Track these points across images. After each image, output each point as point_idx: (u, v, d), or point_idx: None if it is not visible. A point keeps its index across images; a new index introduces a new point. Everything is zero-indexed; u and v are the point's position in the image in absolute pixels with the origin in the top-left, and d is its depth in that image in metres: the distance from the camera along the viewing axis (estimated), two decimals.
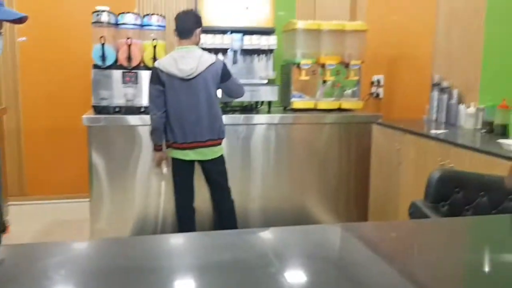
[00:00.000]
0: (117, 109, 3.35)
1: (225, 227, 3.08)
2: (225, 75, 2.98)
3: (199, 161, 3.03)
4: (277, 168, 3.58)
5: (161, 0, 4.47)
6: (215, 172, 3.08)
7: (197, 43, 3.04)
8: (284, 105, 3.87)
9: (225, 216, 3.16)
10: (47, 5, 4.27)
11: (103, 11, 3.35)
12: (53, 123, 4.40)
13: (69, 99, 4.35)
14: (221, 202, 3.15)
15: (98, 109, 3.32)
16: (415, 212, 1.98)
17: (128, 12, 3.42)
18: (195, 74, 2.88)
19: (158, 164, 3.16)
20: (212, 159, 3.02)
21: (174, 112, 2.94)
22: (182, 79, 2.89)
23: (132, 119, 3.29)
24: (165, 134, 3.02)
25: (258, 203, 3.57)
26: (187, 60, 2.89)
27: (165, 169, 3.16)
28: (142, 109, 3.37)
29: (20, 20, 1.57)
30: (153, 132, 3.02)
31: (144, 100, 3.40)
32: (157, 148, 3.08)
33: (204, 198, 3.23)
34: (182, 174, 3.09)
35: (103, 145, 3.29)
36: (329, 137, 3.65)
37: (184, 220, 3.15)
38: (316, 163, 3.65)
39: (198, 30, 3.00)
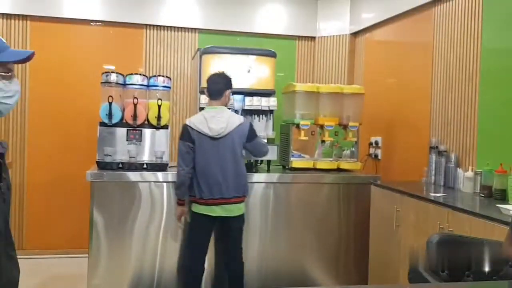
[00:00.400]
0: (120, 165, 3.36)
1: None
2: (251, 136, 3.10)
3: (222, 217, 3.04)
4: (275, 228, 3.52)
5: (166, 61, 4.63)
6: (236, 229, 3.13)
7: (226, 104, 3.16)
8: (283, 164, 3.87)
9: (234, 276, 3.14)
10: (58, 63, 4.42)
11: (112, 72, 3.44)
12: (56, 178, 4.41)
13: (73, 155, 4.39)
14: (233, 261, 3.14)
15: (102, 165, 3.32)
16: (414, 277, 1.91)
17: (136, 74, 3.51)
18: (224, 134, 3.00)
19: (179, 218, 3.18)
20: (236, 216, 3.07)
21: (202, 169, 3.01)
22: (212, 138, 2.99)
23: (133, 176, 3.29)
24: (190, 189, 3.06)
25: (256, 263, 3.47)
26: (217, 120, 3.00)
27: (183, 224, 3.20)
28: (145, 166, 3.39)
29: (28, 58, 1.58)
30: (179, 187, 3.08)
31: (146, 157, 3.42)
32: (180, 202, 3.14)
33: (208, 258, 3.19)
34: (202, 230, 3.11)
35: (104, 201, 3.27)
36: (328, 197, 3.61)
37: (191, 279, 3.12)
38: (315, 223, 3.58)
39: (228, 91, 3.14)
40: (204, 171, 3.00)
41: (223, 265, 3.23)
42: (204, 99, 3.47)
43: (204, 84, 3.50)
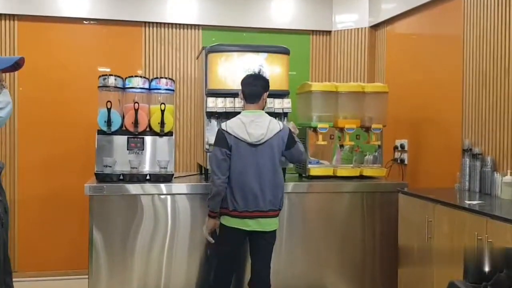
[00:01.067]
0: (121, 177, 3.38)
1: None
2: (290, 143, 3.15)
3: (255, 232, 3.07)
4: (292, 242, 3.53)
5: (168, 61, 4.66)
6: (267, 245, 3.15)
7: (263, 108, 3.23)
8: (300, 172, 3.89)
9: None
10: (49, 66, 4.45)
11: (110, 75, 3.47)
12: (50, 193, 4.43)
13: (69, 167, 4.41)
14: (260, 282, 3.15)
15: (101, 177, 3.35)
16: None
17: (136, 76, 3.55)
18: (263, 140, 3.04)
19: (211, 232, 3.18)
20: (270, 231, 3.11)
21: (238, 178, 3.04)
22: (250, 144, 3.03)
23: (135, 188, 3.32)
24: (223, 200, 3.07)
25: (271, 282, 3.45)
26: (257, 125, 3.06)
27: (212, 239, 3.19)
28: (148, 177, 3.41)
29: (18, 65, 1.58)
30: (214, 198, 3.07)
31: (149, 167, 3.45)
32: (213, 214, 3.12)
33: None
34: (232, 245, 3.14)
35: (105, 216, 3.30)
36: (350, 207, 3.63)
37: None
38: (336, 237, 3.60)
39: (266, 94, 3.20)
40: (240, 180, 3.03)
41: (244, 283, 3.27)
42: (211, 102, 3.51)
43: (211, 86, 3.56)
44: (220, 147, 3.04)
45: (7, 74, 4.27)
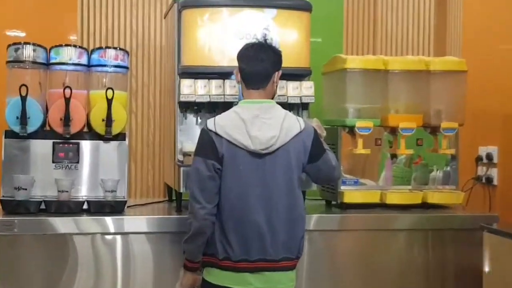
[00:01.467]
0: (42, 206, 3.38)
1: None
2: (317, 151, 3.11)
3: None
4: None
5: (118, 23, 4.66)
6: None
7: (273, 96, 3.17)
8: (328, 197, 3.94)
9: None
10: None
11: (26, 43, 3.47)
12: None
13: None
14: None
15: (10, 207, 3.35)
16: None
17: (67, 45, 3.55)
18: (275, 147, 2.97)
19: None
20: None
21: (233, 207, 2.99)
22: (253, 154, 2.97)
23: (63, 224, 3.32)
24: (209, 244, 3.05)
25: None
26: (264, 123, 2.98)
27: None
28: (85, 206, 3.44)
29: None
30: (193, 239, 3.01)
31: (86, 191, 3.52)
32: (191, 265, 3.08)
33: None
34: None
35: (15, 268, 3.29)
36: (407, 253, 3.70)
37: None
38: None
39: (277, 75, 3.14)
40: (237, 211, 2.99)
41: None
42: (187, 87, 3.54)
43: (187, 61, 3.58)
44: (204, 158, 2.98)
45: None
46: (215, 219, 2.98)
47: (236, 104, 3.23)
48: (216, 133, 2.96)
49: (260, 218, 2.96)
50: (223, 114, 3.08)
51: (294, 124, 3.03)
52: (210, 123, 3.00)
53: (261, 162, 2.97)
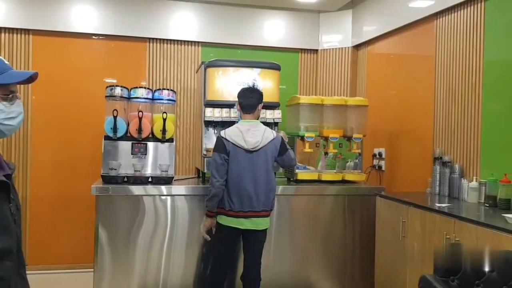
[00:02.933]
0: (125, 179, 3.39)
1: None
2: (282, 150, 3.19)
3: (249, 230, 3.08)
4: (280, 240, 3.55)
5: (170, 74, 4.69)
6: (259, 242, 3.17)
7: (258, 118, 3.25)
8: (288, 176, 3.91)
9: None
10: (60, 77, 4.46)
11: (117, 85, 3.49)
12: (60, 193, 4.43)
13: (77, 169, 4.42)
14: (251, 276, 3.16)
15: (107, 179, 3.35)
16: (425, 286, 1.96)
17: (141, 87, 3.56)
18: (258, 147, 3.06)
19: (208, 230, 3.17)
20: (262, 230, 3.13)
21: (235, 181, 3.05)
22: (246, 151, 3.05)
23: (138, 190, 3.31)
24: (221, 201, 3.09)
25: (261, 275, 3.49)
26: (253, 133, 3.08)
27: (209, 237, 3.18)
28: (150, 179, 3.42)
29: (32, 79, 1.57)
30: (212, 199, 3.07)
31: (151, 171, 3.46)
32: (210, 214, 3.13)
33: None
34: (228, 243, 3.15)
35: (109, 215, 3.29)
36: (333, 209, 3.65)
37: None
38: (320, 236, 3.62)
39: (260, 105, 3.23)
40: (236, 183, 3.05)
41: (237, 278, 3.28)
42: (209, 112, 3.54)
43: (209, 97, 3.58)
44: (219, 153, 3.06)
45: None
46: (225, 188, 3.06)
47: (237, 122, 3.26)
48: (225, 139, 3.06)
49: (250, 188, 3.04)
50: (230, 128, 3.17)
51: (270, 134, 3.14)
52: (222, 133, 3.11)
53: (251, 156, 3.06)
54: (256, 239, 3.14)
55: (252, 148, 3.06)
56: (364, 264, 3.63)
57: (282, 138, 3.24)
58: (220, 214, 3.11)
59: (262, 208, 3.08)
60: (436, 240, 2.69)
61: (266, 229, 3.17)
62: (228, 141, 3.06)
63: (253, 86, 3.33)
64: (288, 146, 3.29)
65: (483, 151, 3.10)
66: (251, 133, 3.08)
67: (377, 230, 3.43)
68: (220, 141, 3.09)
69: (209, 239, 3.18)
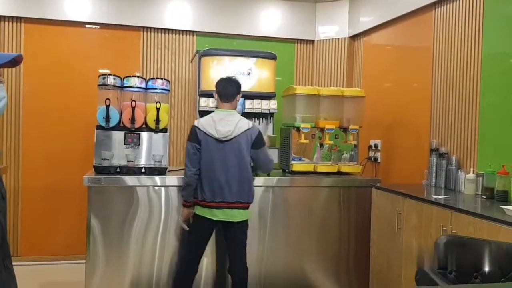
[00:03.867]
0: (118, 170, 3.34)
1: None
2: (257, 143, 3.05)
3: (225, 222, 3.02)
4: (275, 231, 3.51)
5: (164, 64, 4.62)
6: (238, 234, 3.09)
7: (235, 108, 3.15)
8: (284, 168, 3.87)
9: (237, 282, 3.10)
10: (52, 66, 4.39)
11: (109, 74, 3.42)
12: (52, 183, 4.38)
13: (69, 159, 4.37)
14: (236, 267, 3.10)
15: (99, 169, 3.30)
16: (422, 279, 1.92)
17: (134, 76, 3.50)
18: (230, 137, 2.98)
19: (185, 220, 3.14)
20: (238, 222, 3.04)
21: (206, 171, 3.00)
22: (218, 140, 2.98)
23: (131, 180, 3.27)
24: (196, 191, 3.05)
25: (255, 268, 3.45)
26: (225, 123, 2.99)
27: (187, 227, 3.15)
28: (143, 170, 3.37)
29: (16, 62, 1.50)
30: (185, 188, 3.05)
31: (145, 161, 3.41)
32: (186, 204, 3.10)
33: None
34: (201, 233, 3.09)
35: (102, 206, 3.24)
36: (328, 200, 3.61)
37: (185, 279, 3.09)
38: (315, 227, 3.58)
39: (239, 96, 3.14)
40: (207, 173, 2.99)
41: (225, 270, 3.22)
42: (203, 102, 3.50)
43: (204, 87, 3.53)
44: (191, 142, 3.02)
45: (13, 70, 4.21)
46: (198, 179, 3.00)
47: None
48: (198, 128, 3.00)
49: (221, 178, 2.97)
50: (205, 117, 3.11)
51: (244, 124, 3.03)
52: (196, 122, 3.06)
53: (222, 145, 2.98)
54: (234, 231, 3.07)
55: (223, 138, 2.97)
56: (359, 256, 3.60)
57: (259, 131, 3.11)
58: (196, 204, 3.07)
59: (235, 200, 3.00)
60: (432, 232, 2.66)
61: (244, 222, 3.09)
62: (200, 130, 3.00)
63: (231, 77, 3.22)
64: (266, 144, 3.18)
65: (481, 142, 3.06)
66: (223, 123, 3.00)
67: (372, 222, 3.40)
68: (193, 130, 3.04)
69: (187, 229, 3.15)
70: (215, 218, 3.01)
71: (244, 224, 3.09)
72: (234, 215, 3.02)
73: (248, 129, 3.02)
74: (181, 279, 3.11)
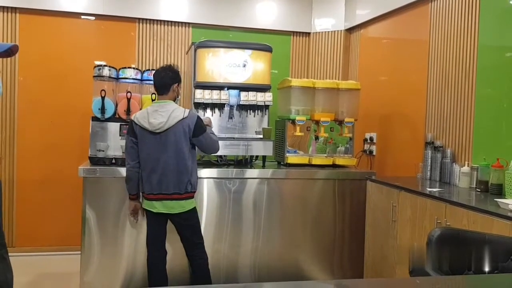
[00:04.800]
0: (113, 161, 3.32)
1: (198, 283, 3.04)
2: (197, 130, 2.94)
3: (167, 214, 2.97)
4: (269, 223, 3.51)
5: (159, 55, 4.58)
6: (184, 226, 3.02)
7: (174, 98, 3.05)
8: (279, 160, 3.86)
9: (197, 272, 3.06)
10: (48, 57, 4.34)
11: (105, 65, 3.39)
12: (47, 174, 4.35)
13: (65, 150, 4.33)
14: (193, 258, 3.06)
15: (94, 160, 3.28)
16: (415, 270, 1.92)
17: (129, 67, 3.47)
18: (164, 128, 2.88)
19: (133, 213, 3.10)
20: (180, 213, 2.96)
21: (144, 164, 2.95)
22: (152, 132, 2.90)
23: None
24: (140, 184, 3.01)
25: (249, 259, 3.47)
26: (158, 114, 2.90)
27: (137, 219, 3.13)
28: None
29: (12, 52, 1.46)
30: (127, 182, 3.02)
31: None
32: (131, 197, 3.05)
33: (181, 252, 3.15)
34: (151, 224, 3.04)
35: (97, 197, 3.23)
36: (323, 192, 3.61)
37: (154, 270, 3.05)
38: (310, 219, 3.58)
39: (176, 85, 3.01)
40: (145, 165, 2.94)
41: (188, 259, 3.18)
42: (199, 94, 3.47)
43: (199, 79, 3.51)
44: (129, 136, 2.98)
45: (7, 61, 4.16)
46: (138, 171, 2.96)
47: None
48: (134, 122, 2.94)
49: (158, 170, 2.90)
50: (141, 110, 3.06)
51: (179, 114, 2.91)
52: (133, 116, 3.00)
53: (158, 137, 2.89)
54: (181, 222, 2.99)
55: (156, 130, 2.88)
56: (354, 248, 3.60)
57: (198, 117, 2.98)
58: (143, 197, 3.03)
59: (173, 191, 2.92)
60: (427, 225, 2.65)
61: (186, 213, 2.97)
62: (136, 124, 2.93)
63: (171, 65, 3.09)
64: (209, 130, 3.09)
65: (476, 136, 3.06)
66: (156, 114, 2.90)
67: (367, 214, 3.40)
68: (130, 124, 2.99)
69: (136, 221, 3.15)
70: (154, 210, 2.95)
71: (185, 216, 2.98)
72: (173, 207, 2.94)
73: (184, 118, 2.90)
74: (152, 272, 3.05)
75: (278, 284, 1.31)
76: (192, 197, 2.99)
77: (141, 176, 2.96)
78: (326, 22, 4.85)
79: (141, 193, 3.01)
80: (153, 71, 3.43)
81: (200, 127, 2.96)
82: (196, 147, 3.03)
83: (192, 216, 3.01)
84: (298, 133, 3.68)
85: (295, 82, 3.74)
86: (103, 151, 3.28)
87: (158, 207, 2.94)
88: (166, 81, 2.97)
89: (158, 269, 3.03)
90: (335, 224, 3.61)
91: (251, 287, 1.35)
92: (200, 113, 3.61)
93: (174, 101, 3.02)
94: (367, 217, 3.40)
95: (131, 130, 2.95)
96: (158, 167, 2.90)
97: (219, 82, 3.51)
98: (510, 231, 2.10)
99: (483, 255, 1.83)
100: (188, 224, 3.00)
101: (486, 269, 1.82)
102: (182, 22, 4.59)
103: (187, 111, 2.96)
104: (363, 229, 3.43)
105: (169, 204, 2.93)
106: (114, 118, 3.37)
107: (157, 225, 3.02)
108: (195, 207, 3.02)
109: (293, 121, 3.69)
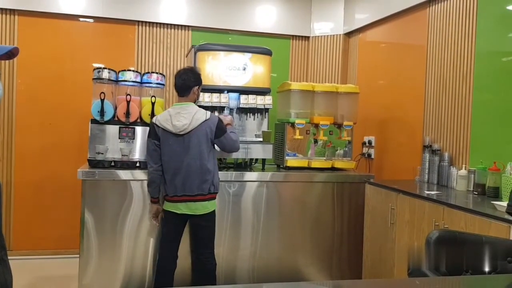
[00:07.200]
0: (112, 164, 3.33)
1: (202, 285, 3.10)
2: (218, 131, 3.02)
3: (189, 215, 3.02)
4: (269, 226, 3.53)
5: (159, 58, 4.61)
6: (203, 227, 3.07)
7: (195, 100, 3.11)
8: (278, 163, 3.88)
9: (204, 277, 3.10)
10: (47, 59, 4.36)
11: (104, 68, 3.41)
12: (45, 176, 4.36)
13: (63, 153, 4.35)
14: (203, 261, 3.10)
15: (93, 163, 3.30)
16: (414, 272, 1.95)
17: (129, 70, 3.49)
18: (187, 130, 2.95)
19: (154, 216, 3.16)
20: (202, 215, 3.03)
21: (167, 166, 3.00)
22: (176, 135, 2.95)
23: (125, 174, 3.27)
24: (162, 186, 3.05)
25: (248, 262, 3.49)
26: (181, 116, 2.97)
27: (159, 222, 3.17)
28: (138, 164, 3.36)
29: (12, 54, 1.46)
30: (149, 185, 3.07)
31: (139, 155, 3.40)
32: (153, 200, 3.12)
33: (185, 253, 3.19)
34: (171, 226, 3.09)
35: (96, 199, 3.24)
36: (322, 195, 3.64)
37: (163, 272, 3.09)
38: (309, 222, 3.61)
39: (196, 88, 3.08)
40: (168, 168, 2.99)
41: (194, 263, 3.23)
42: (199, 97, 3.48)
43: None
44: (151, 139, 3.04)
45: (6, 63, 4.18)
46: (161, 174, 3.02)
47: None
48: (156, 124, 3.00)
49: (182, 172, 2.96)
50: (162, 113, 3.10)
51: (201, 116, 2.99)
52: (154, 119, 3.06)
53: (182, 139, 2.96)
54: (198, 224, 3.06)
55: (180, 132, 2.95)
56: (352, 251, 3.63)
57: (219, 119, 3.07)
58: (164, 199, 3.09)
59: (197, 192, 2.99)
60: (425, 227, 2.69)
61: (209, 214, 3.06)
62: (158, 126, 2.99)
63: (193, 68, 3.17)
64: (231, 129, 3.16)
65: (473, 139, 3.10)
66: (179, 116, 2.97)
67: (365, 217, 3.43)
68: (152, 127, 3.04)
69: (158, 224, 3.18)
70: (178, 212, 3.02)
71: (207, 217, 3.07)
72: (197, 208, 3.01)
73: (206, 120, 2.98)
74: (161, 273, 3.10)
75: (278, 285, 1.34)
76: (215, 198, 3.08)
77: (163, 179, 3.01)
78: (325, 26, 4.90)
79: (163, 195, 3.05)
80: (153, 74, 3.50)
81: (221, 128, 3.05)
82: (217, 147, 3.09)
83: (212, 218, 3.10)
84: (297, 136, 3.71)
85: (295, 85, 3.78)
86: (102, 153, 3.29)
87: (183, 208, 3.00)
88: (187, 83, 3.04)
89: (168, 272, 3.08)
90: (333, 227, 3.64)
91: None
92: None
93: (194, 103, 3.08)
94: (365, 220, 3.43)
95: (154, 133, 3.00)
96: (182, 169, 2.96)
97: (219, 85, 3.54)
98: (506, 233, 2.14)
99: (480, 256, 1.87)
100: (207, 225, 3.08)
101: (484, 270, 1.85)
102: (181, 25, 4.62)
103: (208, 113, 3.05)
104: (361, 232, 3.46)
105: (193, 205, 3.00)
106: (113, 120, 3.37)
107: (177, 226, 3.09)
108: (215, 210, 3.10)
109: (293, 124, 3.72)
